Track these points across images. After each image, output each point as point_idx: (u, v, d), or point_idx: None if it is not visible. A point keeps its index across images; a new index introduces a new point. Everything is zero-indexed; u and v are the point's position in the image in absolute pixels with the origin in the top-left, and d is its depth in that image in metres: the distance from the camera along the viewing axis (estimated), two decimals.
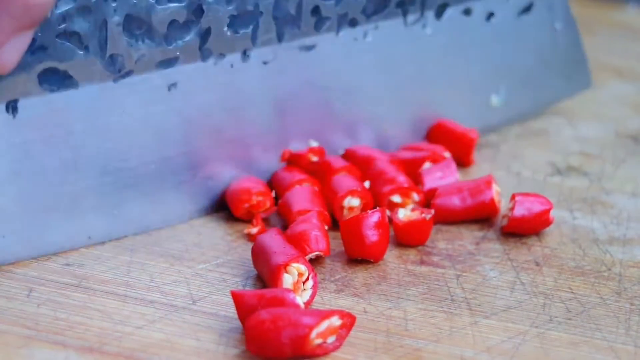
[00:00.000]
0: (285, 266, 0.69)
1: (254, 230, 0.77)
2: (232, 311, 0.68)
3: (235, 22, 0.78)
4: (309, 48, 0.82)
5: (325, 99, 0.84)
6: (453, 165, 0.83)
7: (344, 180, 0.80)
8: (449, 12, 0.89)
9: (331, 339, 0.65)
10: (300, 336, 0.63)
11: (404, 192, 0.79)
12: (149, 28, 0.74)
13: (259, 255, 0.73)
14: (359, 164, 0.83)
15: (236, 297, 0.67)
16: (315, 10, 0.81)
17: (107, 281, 0.72)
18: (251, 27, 0.79)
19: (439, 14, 0.89)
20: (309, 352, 0.64)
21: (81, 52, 0.72)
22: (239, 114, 0.80)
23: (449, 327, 0.68)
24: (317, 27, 0.82)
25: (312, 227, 0.74)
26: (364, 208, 0.78)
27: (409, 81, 0.88)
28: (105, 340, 0.65)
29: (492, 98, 0.93)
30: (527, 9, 0.94)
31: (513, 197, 0.79)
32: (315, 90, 0.83)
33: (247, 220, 0.79)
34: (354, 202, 0.78)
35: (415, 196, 0.79)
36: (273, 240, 0.73)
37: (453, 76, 0.91)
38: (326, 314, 0.65)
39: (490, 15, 0.92)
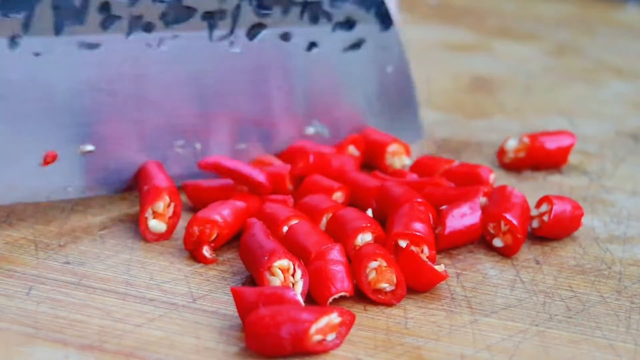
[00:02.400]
0: (267, 269, 0.69)
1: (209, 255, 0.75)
2: (231, 309, 0.68)
3: (5, 4, 0.74)
4: (92, 46, 0.78)
5: (109, 103, 0.80)
6: (477, 205, 0.78)
7: (351, 216, 0.75)
8: (264, 33, 0.83)
9: (331, 337, 0.65)
10: (299, 331, 0.63)
11: (416, 241, 0.73)
12: None
13: (244, 260, 0.73)
14: (382, 198, 0.79)
15: (236, 294, 0.67)
16: (105, 7, 0.77)
17: (107, 279, 0.72)
18: (23, 12, 0.75)
19: (251, 34, 0.83)
20: (309, 348, 0.64)
21: None
22: (5, 104, 0.76)
23: (449, 326, 0.68)
24: (104, 26, 0.77)
25: (336, 264, 0.70)
26: (377, 240, 0.74)
27: (215, 98, 0.83)
28: (105, 338, 0.65)
29: (309, 129, 0.88)
30: (356, 45, 0.87)
31: (546, 200, 0.78)
32: (97, 93, 0.79)
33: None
34: (366, 237, 0.74)
35: (426, 250, 0.73)
36: (252, 240, 0.72)
37: (266, 100, 0.86)
38: (325, 311, 0.65)
39: (312, 45, 0.85)
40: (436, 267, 0.71)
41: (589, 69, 1.13)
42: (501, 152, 0.89)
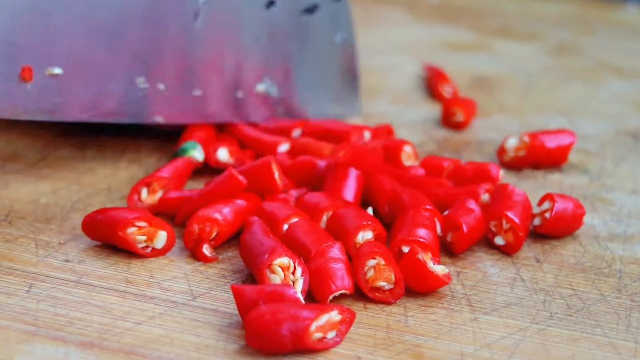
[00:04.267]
0: (268, 267, 0.69)
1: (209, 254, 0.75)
2: (232, 307, 0.68)
3: None
4: None
5: (83, 28, 0.81)
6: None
7: (351, 214, 0.75)
8: None
9: (331, 334, 0.65)
10: (300, 329, 0.63)
11: (422, 247, 0.72)
12: None
13: (245, 258, 0.72)
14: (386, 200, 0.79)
15: (236, 291, 0.67)
16: None
17: (107, 277, 0.72)
18: None
19: None
20: (309, 346, 0.64)
21: None
22: None
23: (449, 323, 0.68)
24: None
25: (336, 262, 0.70)
26: (377, 238, 0.74)
27: (176, 43, 0.86)
28: (105, 336, 0.65)
29: (260, 86, 0.91)
30: (310, 10, 0.93)
31: (548, 198, 0.78)
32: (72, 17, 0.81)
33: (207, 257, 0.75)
34: (367, 235, 0.74)
35: (430, 255, 0.72)
36: (252, 239, 0.72)
37: (225, 51, 0.89)
38: (326, 308, 0.65)
39: (270, 3, 0.90)
40: (438, 268, 0.71)
41: (589, 69, 1.13)
42: (501, 151, 0.89)
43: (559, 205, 0.77)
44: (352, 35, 0.96)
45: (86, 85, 0.82)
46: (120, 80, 0.83)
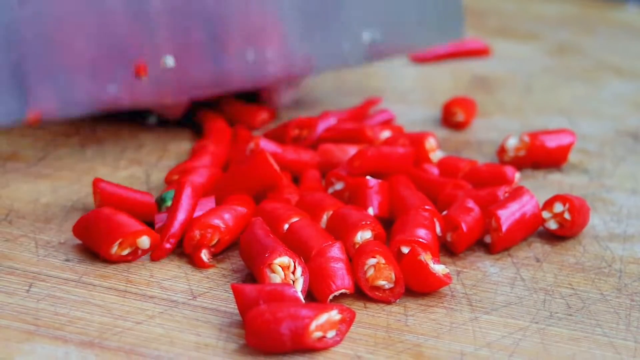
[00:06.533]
0: (268, 266, 0.69)
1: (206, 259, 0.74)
2: (232, 306, 0.68)
3: None
4: None
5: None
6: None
7: (351, 214, 0.75)
8: None
9: (331, 334, 0.65)
10: (299, 328, 0.63)
11: (422, 247, 0.72)
12: None
13: (245, 258, 0.72)
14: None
15: (236, 290, 0.67)
16: None
17: (108, 277, 0.72)
18: None
19: None
20: (309, 345, 0.64)
21: None
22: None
23: (449, 323, 0.68)
24: None
25: (337, 261, 0.70)
26: (376, 238, 0.74)
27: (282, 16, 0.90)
28: (105, 335, 0.65)
29: (363, 35, 0.94)
30: None
31: (559, 199, 0.77)
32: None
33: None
34: (366, 235, 0.74)
35: (429, 256, 0.72)
36: (252, 238, 0.72)
37: (325, 13, 0.92)
38: (325, 307, 0.65)
39: None
40: (438, 268, 0.71)
41: (589, 69, 1.13)
42: (501, 151, 0.89)
43: (577, 205, 0.77)
44: None
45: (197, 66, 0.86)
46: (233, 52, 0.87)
